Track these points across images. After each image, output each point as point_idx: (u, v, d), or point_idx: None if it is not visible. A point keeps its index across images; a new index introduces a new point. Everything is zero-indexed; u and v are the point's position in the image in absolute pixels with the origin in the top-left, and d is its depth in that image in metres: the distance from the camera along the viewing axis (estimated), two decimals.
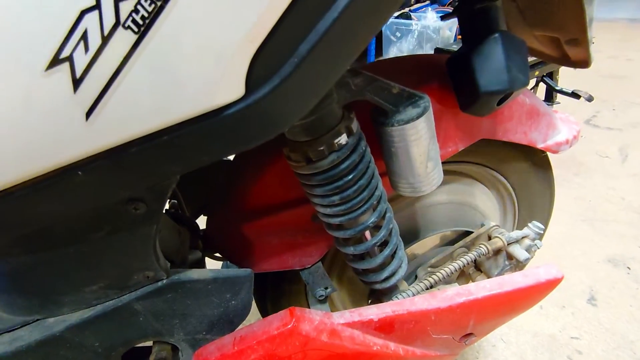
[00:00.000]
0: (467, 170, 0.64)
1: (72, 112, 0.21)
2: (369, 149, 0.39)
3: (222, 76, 0.23)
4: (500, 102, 0.44)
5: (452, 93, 0.48)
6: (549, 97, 1.99)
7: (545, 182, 0.69)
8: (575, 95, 1.78)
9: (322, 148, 0.34)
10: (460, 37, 2.51)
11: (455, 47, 2.19)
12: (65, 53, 0.19)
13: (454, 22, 2.62)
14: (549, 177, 0.69)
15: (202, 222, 0.59)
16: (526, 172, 0.66)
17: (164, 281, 0.39)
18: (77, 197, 0.26)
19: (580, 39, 0.52)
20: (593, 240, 1.21)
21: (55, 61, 0.19)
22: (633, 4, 4.33)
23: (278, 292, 0.62)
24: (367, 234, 0.45)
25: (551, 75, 1.87)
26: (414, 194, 0.43)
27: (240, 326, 0.45)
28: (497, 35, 0.40)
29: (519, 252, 0.56)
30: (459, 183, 0.64)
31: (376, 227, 0.44)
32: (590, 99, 1.76)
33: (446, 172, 0.61)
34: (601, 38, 3.54)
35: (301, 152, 0.35)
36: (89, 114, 0.21)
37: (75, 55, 0.19)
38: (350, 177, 0.37)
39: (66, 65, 0.19)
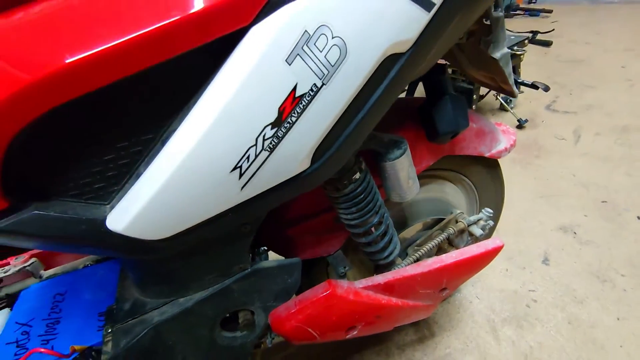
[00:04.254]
0: (440, 174, 0.88)
1: (235, 187, 0.43)
2: (372, 178, 0.62)
3: (301, 162, 0.45)
4: (453, 137, 0.67)
5: (422, 129, 0.71)
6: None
7: (496, 177, 0.93)
8: (534, 86, 2.04)
9: (345, 182, 0.57)
10: None
11: None
12: (239, 164, 0.41)
13: None
14: (499, 174, 0.93)
15: None
16: (481, 171, 0.90)
17: (249, 269, 0.62)
18: (223, 227, 0.48)
19: (505, 82, 0.75)
20: (548, 213, 1.48)
21: (234, 167, 0.41)
22: None
23: (309, 270, 0.85)
24: (373, 228, 0.68)
25: (514, 69, 2.12)
26: (401, 200, 0.67)
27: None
28: (447, 97, 0.64)
29: (476, 230, 0.81)
30: (434, 184, 0.88)
31: (379, 224, 0.68)
32: (546, 89, 2.03)
33: (425, 177, 0.85)
34: (563, 22, 3.81)
35: (332, 184, 0.58)
36: (242, 187, 0.43)
37: (243, 164, 0.41)
38: (362, 196, 0.60)
39: (238, 169, 0.41)
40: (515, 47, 1.96)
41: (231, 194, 0.44)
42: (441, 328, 1.11)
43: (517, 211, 1.50)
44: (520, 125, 2.07)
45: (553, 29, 3.31)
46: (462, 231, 0.82)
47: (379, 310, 0.69)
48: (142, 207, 0.41)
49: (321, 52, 0.38)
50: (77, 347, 0.57)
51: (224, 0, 0.34)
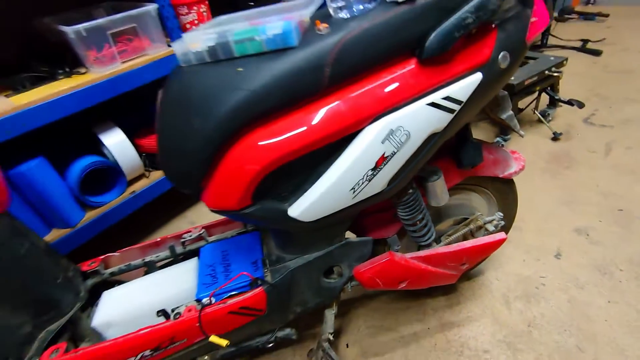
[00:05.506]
0: (467, 187, 1.26)
1: (350, 197, 0.87)
2: (419, 192, 1.03)
3: (383, 186, 0.88)
4: (473, 167, 1.06)
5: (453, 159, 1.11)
6: (553, 103, 2.48)
7: (510, 189, 1.29)
8: (570, 103, 2.28)
9: (403, 194, 0.99)
10: None
11: None
12: (354, 187, 0.84)
13: None
14: (512, 187, 1.29)
15: None
16: (498, 186, 1.27)
17: (343, 242, 1.06)
18: (339, 216, 0.93)
19: (513, 130, 1.12)
20: (567, 217, 1.77)
21: (352, 188, 0.84)
22: None
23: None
24: (418, 222, 1.09)
25: (552, 87, 2.36)
26: (437, 205, 1.07)
27: None
28: (469, 143, 1.02)
29: (489, 227, 1.19)
30: (462, 193, 1.27)
31: (422, 219, 1.09)
32: (580, 106, 2.26)
33: (456, 188, 1.24)
34: (619, 26, 3.80)
35: (396, 195, 1.00)
36: (353, 197, 0.87)
37: (356, 187, 0.85)
38: (412, 203, 1.02)
39: (353, 189, 0.85)
40: (553, 69, 2.21)
41: (348, 200, 0.88)
42: (466, 298, 1.49)
43: (540, 214, 1.81)
44: (555, 137, 2.31)
45: (604, 38, 3.37)
46: (480, 227, 1.21)
47: (420, 273, 1.10)
48: (307, 204, 0.86)
49: (397, 137, 0.80)
50: (251, 276, 1.05)
51: (359, 118, 0.77)
